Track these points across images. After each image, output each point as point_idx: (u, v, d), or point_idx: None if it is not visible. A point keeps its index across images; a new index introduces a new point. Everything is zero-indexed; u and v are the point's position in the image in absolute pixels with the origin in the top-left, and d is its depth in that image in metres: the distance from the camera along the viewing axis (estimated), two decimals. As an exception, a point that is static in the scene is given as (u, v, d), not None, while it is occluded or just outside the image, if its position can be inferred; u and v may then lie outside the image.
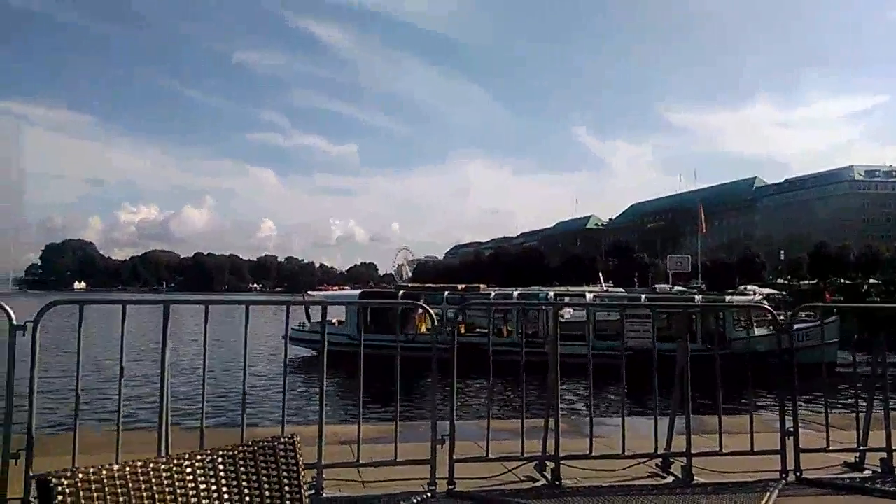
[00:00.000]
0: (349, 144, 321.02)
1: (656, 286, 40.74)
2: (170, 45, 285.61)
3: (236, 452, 1.39)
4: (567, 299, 25.26)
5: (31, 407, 3.85)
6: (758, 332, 17.32)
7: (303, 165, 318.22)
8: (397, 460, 4.37)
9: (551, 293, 25.32)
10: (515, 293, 24.80)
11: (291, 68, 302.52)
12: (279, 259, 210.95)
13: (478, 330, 22.10)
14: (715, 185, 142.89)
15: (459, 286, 29.33)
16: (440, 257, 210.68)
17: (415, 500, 4.09)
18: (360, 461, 4.37)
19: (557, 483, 4.50)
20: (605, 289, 36.16)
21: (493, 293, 25.39)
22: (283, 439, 1.46)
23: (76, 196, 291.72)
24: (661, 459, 4.86)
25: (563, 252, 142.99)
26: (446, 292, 24.92)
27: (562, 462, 4.57)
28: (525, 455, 4.66)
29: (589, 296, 24.64)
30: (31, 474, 3.72)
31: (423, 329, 21.55)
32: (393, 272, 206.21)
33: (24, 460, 3.74)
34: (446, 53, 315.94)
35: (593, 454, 4.69)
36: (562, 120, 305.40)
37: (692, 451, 4.70)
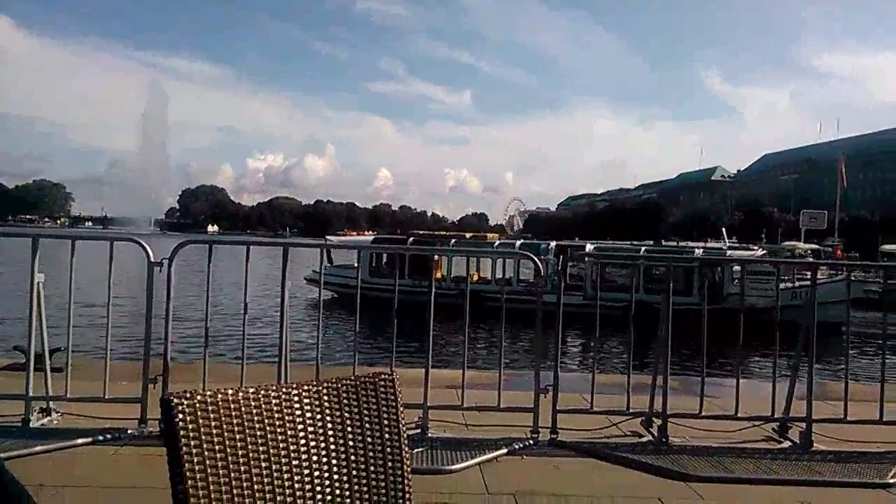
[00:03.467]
0: (465, 92, 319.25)
1: (787, 244, 38.08)
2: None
3: (339, 385, 1.45)
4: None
5: (166, 337, 4.24)
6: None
7: (419, 114, 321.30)
8: (500, 406, 4.45)
9: (552, 245, 25.46)
10: (518, 244, 25.86)
11: (410, 15, 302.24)
12: (393, 208, 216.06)
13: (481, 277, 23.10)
14: (861, 134, 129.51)
15: (466, 235, 31.17)
16: (552, 209, 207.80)
17: (517, 446, 4.16)
18: (464, 405, 4.48)
19: (664, 440, 4.41)
20: (727, 245, 34.22)
21: (497, 242, 26.49)
22: (383, 376, 1.51)
23: (210, 143, 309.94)
24: (777, 424, 4.64)
25: (686, 205, 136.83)
26: (452, 240, 26.02)
27: (669, 420, 4.46)
28: (631, 410, 4.59)
29: (589, 247, 24.57)
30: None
31: (439, 275, 21.98)
32: (504, 223, 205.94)
33: (162, 384, 4.14)
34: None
35: (703, 413, 4.55)
36: (691, 64, 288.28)
37: (813, 417, 4.44)
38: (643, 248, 24.46)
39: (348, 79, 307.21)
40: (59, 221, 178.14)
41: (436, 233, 36.07)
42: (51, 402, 4.28)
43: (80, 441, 3.88)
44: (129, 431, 4.05)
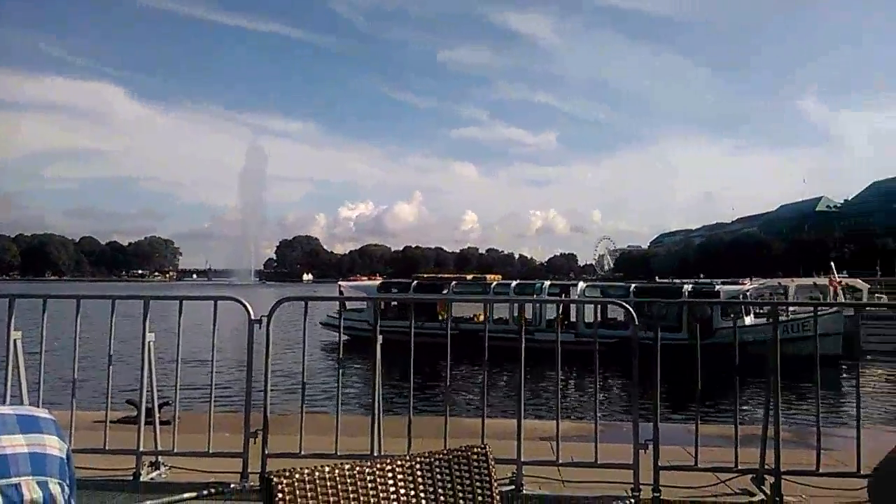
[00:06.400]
0: (548, 133, 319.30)
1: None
2: (381, 52, 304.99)
3: (433, 460, 1.45)
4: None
5: (265, 392, 4.38)
6: (748, 321, 19.38)
7: (503, 157, 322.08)
8: (598, 462, 4.28)
9: (546, 284, 26.18)
10: (513, 284, 26.89)
11: (491, 63, 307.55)
12: (480, 251, 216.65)
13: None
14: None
15: (468, 276, 32.55)
16: (644, 246, 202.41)
17: (617, 505, 3.99)
18: (560, 460, 4.35)
19: (779, 499, 4.10)
20: (838, 280, 32.22)
21: (494, 283, 27.60)
22: (475, 449, 1.49)
23: (304, 196, 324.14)
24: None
25: (788, 239, 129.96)
26: (453, 282, 27.17)
27: (784, 477, 4.16)
28: (740, 466, 4.31)
29: (581, 285, 26.27)
30: (265, 452, 4.23)
31: (444, 316, 22.37)
32: (594, 263, 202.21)
33: (261, 439, 4.26)
34: (653, 30, 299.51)
35: (822, 470, 4.21)
36: (787, 92, 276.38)
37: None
38: (633, 286, 25.39)
39: (432, 126, 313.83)
40: (167, 275, 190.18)
41: (438, 275, 37.57)
42: (159, 457, 4.49)
43: (186, 496, 4.02)
44: (232, 486, 4.18)
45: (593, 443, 4.34)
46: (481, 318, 22.32)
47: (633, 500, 4.05)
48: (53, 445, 0.86)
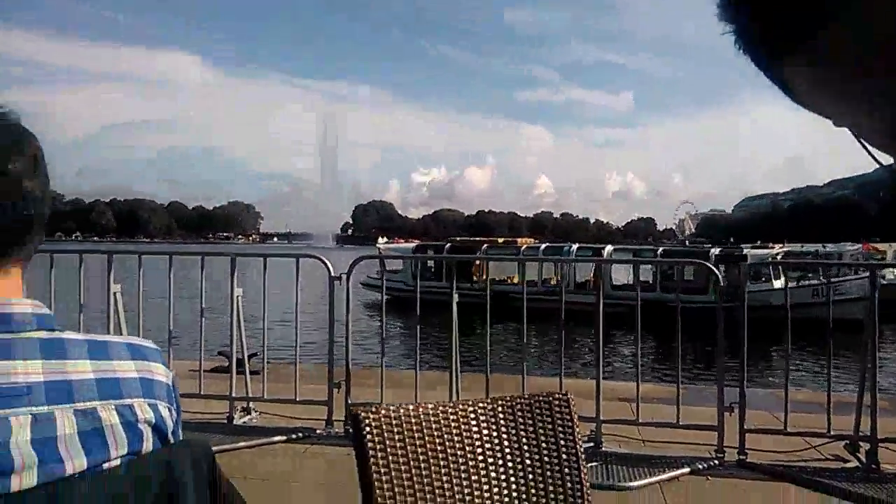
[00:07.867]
0: (624, 94, 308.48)
1: None
2: (448, 15, 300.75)
3: (514, 403, 1.45)
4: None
5: (347, 345, 4.52)
6: (776, 284, 18.67)
7: (577, 120, 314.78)
8: (680, 423, 4.20)
9: (574, 247, 25.76)
10: (542, 247, 27.06)
11: (560, 22, 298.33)
12: (555, 215, 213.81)
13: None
14: None
15: (499, 240, 32.91)
16: (728, 210, 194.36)
17: (701, 466, 3.90)
18: (640, 420, 4.29)
19: (874, 466, 3.91)
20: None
21: (524, 247, 27.23)
22: (557, 395, 1.48)
23: (378, 161, 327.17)
24: None
25: (887, 202, 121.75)
26: (484, 245, 27.01)
27: (881, 444, 3.95)
28: (832, 432, 4.12)
29: (609, 248, 25.76)
30: (349, 401, 4.38)
31: (477, 277, 22.10)
32: (674, 227, 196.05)
33: (344, 389, 4.41)
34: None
35: (921, 438, 3.97)
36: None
37: None
38: (660, 249, 25.21)
39: (502, 89, 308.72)
40: (250, 238, 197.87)
41: (472, 238, 38.00)
42: (250, 403, 4.72)
43: (276, 438, 4.23)
44: (318, 431, 4.36)
45: (674, 405, 4.26)
46: (514, 279, 22.37)
47: (716, 462, 3.95)
48: (160, 372, 0.90)
